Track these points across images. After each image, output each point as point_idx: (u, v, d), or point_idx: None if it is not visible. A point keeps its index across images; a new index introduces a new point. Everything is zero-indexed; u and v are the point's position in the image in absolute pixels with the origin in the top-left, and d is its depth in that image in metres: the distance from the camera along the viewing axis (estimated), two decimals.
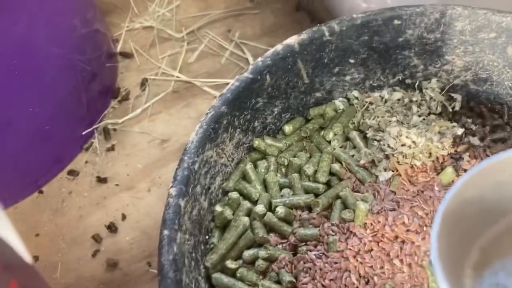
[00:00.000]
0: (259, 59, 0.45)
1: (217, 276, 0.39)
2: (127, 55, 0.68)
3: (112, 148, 0.61)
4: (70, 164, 0.60)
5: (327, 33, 0.46)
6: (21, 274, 0.20)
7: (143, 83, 0.65)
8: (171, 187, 0.38)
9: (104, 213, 0.55)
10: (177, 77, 0.65)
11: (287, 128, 0.48)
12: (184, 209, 0.37)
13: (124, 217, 0.55)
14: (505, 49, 0.46)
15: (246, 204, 0.42)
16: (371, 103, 0.50)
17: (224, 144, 0.43)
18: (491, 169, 0.29)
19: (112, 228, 0.54)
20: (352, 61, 0.48)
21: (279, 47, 0.45)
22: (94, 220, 0.55)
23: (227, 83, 0.64)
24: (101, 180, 0.58)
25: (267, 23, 0.70)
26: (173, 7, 0.72)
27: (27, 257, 0.20)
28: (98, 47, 0.63)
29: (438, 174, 0.42)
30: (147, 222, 0.55)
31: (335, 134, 0.47)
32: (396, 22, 0.46)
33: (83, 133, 0.60)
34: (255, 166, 0.45)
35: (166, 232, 0.36)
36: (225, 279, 0.39)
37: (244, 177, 0.45)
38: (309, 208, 0.42)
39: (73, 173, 0.59)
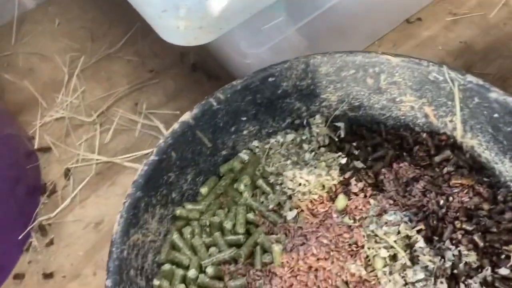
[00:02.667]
0: (161, 140, 0.50)
1: None
2: (45, 149, 0.72)
3: (51, 243, 0.64)
4: (13, 269, 0.62)
5: (215, 103, 0.52)
6: None
7: (66, 173, 0.69)
8: (106, 279, 0.42)
9: None
10: (97, 159, 0.70)
11: (203, 190, 0.54)
12: None
13: None
14: (365, 81, 0.54)
15: (179, 272, 0.47)
16: (270, 148, 0.56)
17: (147, 224, 0.48)
18: None
19: None
20: (244, 118, 0.55)
21: (176, 125, 0.51)
22: None
23: (145, 154, 0.70)
24: (47, 276, 0.61)
25: (169, 89, 0.75)
26: (79, 94, 0.76)
27: None
28: (15, 151, 0.66)
29: (333, 202, 0.49)
30: None
31: (245, 185, 0.53)
32: (270, 79, 0.53)
33: (20, 237, 0.63)
34: (181, 234, 0.51)
35: None
36: None
37: (173, 246, 0.50)
38: (235, 260, 0.48)
39: (18, 276, 0.62)
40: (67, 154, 0.71)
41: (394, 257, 0.44)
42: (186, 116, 0.51)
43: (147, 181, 0.48)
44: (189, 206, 0.52)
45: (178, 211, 0.51)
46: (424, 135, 0.54)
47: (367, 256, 0.45)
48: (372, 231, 0.45)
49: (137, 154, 0.69)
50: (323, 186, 0.49)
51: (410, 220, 0.46)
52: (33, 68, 0.81)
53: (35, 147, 0.72)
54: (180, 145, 0.51)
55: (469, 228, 0.46)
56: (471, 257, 0.44)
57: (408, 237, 0.45)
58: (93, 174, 0.69)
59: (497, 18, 0.74)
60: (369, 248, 0.45)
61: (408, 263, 0.43)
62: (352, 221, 0.47)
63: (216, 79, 0.74)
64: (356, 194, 0.49)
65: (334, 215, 0.47)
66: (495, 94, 0.47)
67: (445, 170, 0.51)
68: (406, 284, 0.43)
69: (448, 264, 0.44)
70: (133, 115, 0.73)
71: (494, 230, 0.46)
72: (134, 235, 0.46)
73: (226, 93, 0.52)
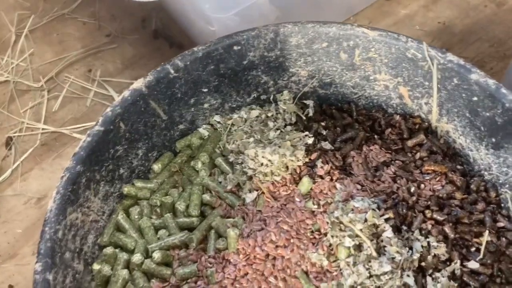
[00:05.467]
0: (108, 109, 0.45)
1: None
2: None
3: None
4: None
5: (172, 71, 0.47)
6: None
7: (8, 142, 0.63)
8: (36, 262, 0.37)
9: None
10: (43, 129, 0.63)
11: (156, 167, 0.49)
12: (54, 282, 0.37)
13: None
14: (338, 55, 0.50)
15: (123, 256, 0.42)
16: (233, 125, 0.51)
17: (89, 202, 0.43)
18: None
19: None
20: (205, 90, 0.50)
21: (126, 93, 0.45)
22: None
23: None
24: None
25: (128, 56, 0.69)
26: (26, 56, 0.69)
27: None
28: None
29: (297, 184, 0.45)
30: None
31: (202, 163, 0.48)
32: (236, 47, 0.48)
33: None
34: (128, 214, 0.46)
35: None
36: None
37: (118, 228, 0.45)
38: (186, 245, 0.43)
39: None
40: (9, 122, 0.64)
41: (359, 247, 0.41)
42: (139, 83, 0.46)
43: (90, 154, 0.43)
44: (138, 183, 0.47)
45: (126, 189, 0.46)
46: (397, 117, 0.50)
47: (330, 245, 0.41)
48: (337, 218, 0.41)
49: (88, 125, 0.63)
50: (287, 167, 0.45)
51: (378, 208, 0.42)
52: None
53: None
54: (131, 115, 0.46)
55: (440, 218, 0.43)
56: (441, 249, 0.41)
57: (375, 225, 0.41)
58: (38, 145, 0.62)
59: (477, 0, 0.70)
60: (332, 236, 0.41)
61: (374, 254, 0.40)
62: (316, 206, 0.43)
63: (179, 47, 0.69)
64: (321, 177, 0.45)
65: (297, 199, 0.43)
66: (476, 75, 0.44)
67: (417, 155, 0.47)
68: (370, 276, 0.39)
69: (416, 256, 0.41)
70: (86, 82, 0.67)
71: (466, 221, 0.43)
72: (72, 214, 0.41)
73: (186, 60, 0.47)
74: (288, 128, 0.50)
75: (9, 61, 0.69)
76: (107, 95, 0.66)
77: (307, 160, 0.46)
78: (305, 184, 0.44)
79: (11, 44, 0.70)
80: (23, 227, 0.57)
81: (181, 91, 0.49)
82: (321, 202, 0.43)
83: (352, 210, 0.41)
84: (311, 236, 0.42)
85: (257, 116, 0.52)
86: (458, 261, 0.41)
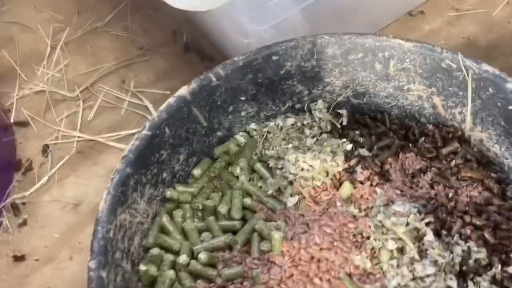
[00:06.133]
0: (155, 114, 0.46)
1: None
2: (22, 123, 0.67)
3: (24, 223, 0.59)
4: None
5: (214, 79, 0.49)
6: None
7: (45, 150, 0.64)
8: (90, 260, 0.38)
9: None
10: (78, 137, 0.65)
11: (196, 172, 0.50)
12: (107, 280, 0.38)
13: None
14: (373, 66, 0.51)
15: (169, 257, 0.43)
16: (268, 132, 0.53)
17: (135, 204, 0.44)
18: None
19: None
20: (243, 98, 0.52)
21: (171, 100, 0.47)
22: None
23: (131, 134, 0.66)
24: (18, 258, 0.56)
25: (160, 68, 0.71)
26: (62, 67, 0.71)
27: None
28: None
29: (337, 189, 0.46)
30: None
31: (241, 169, 0.50)
32: (274, 57, 0.50)
33: None
34: (172, 217, 0.47)
35: None
36: None
37: (162, 230, 0.46)
38: (230, 247, 0.44)
39: None
40: (46, 130, 0.66)
41: (401, 250, 0.41)
42: (183, 91, 0.48)
43: (138, 157, 0.44)
44: (180, 188, 0.48)
45: (169, 193, 0.47)
46: (431, 126, 0.52)
47: (373, 248, 0.42)
48: (380, 221, 0.42)
49: (122, 134, 0.65)
50: (327, 172, 0.46)
51: (419, 212, 0.43)
52: (12, 38, 0.75)
53: (11, 120, 0.66)
54: (175, 122, 0.47)
55: (479, 223, 0.44)
56: (481, 254, 0.42)
57: (416, 229, 0.42)
58: (73, 153, 0.64)
59: (500, 16, 0.72)
60: (375, 240, 0.42)
61: (417, 257, 0.41)
62: (357, 210, 0.44)
63: (210, 60, 0.71)
64: (361, 182, 0.46)
65: (338, 204, 0.44)
66: (511, 84, 0.45)
67: (453, 162, 0.48)
68: (414, 278, 0.40)
69: (458, 259, 0.41)
70: (120, 92, 0.69)
71: (504, 227, 0.44)
72: (122, 214, 0.42)
73: (227, 69, 0.49)
74: (324, 136, 0.51)
75: (44, 72, 0.71)
76: (141, 105, 0.68)
77: (346, 166, 0.47)
78: (346, 188, 0.45)
79: (47, 56, 0.73)
80: (60, 232, 0.58)
81: (221, 99, 0.50)
82: (362, 207, 0.44)
83: (394, 214, 0.43)
84: (354, 240, 0.43)
85: (292, 125, 0.53)
86: (499, 266, 0.42)
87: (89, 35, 0.75)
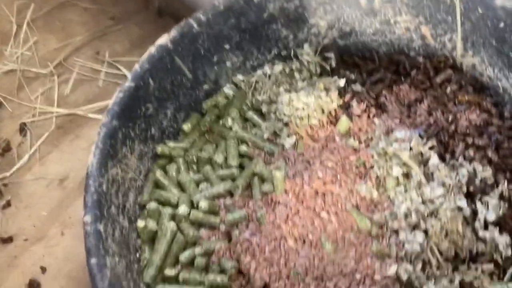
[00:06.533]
0: (136, 65, 0.44)
1: None
2: None
3: (8, 204, 0.56)
4: None
5: (195, 25, 0.46)
6: None
7: (22, 129, 0.61)
8: (85, 214, 0.36)
9: (20, 272, 0.51)
10: (56, 112, 0.62)
11: (186, 127, 0.48)
12: (105, 233, 0.36)
13: (43, 269, 0.51)
14: (357, 1, 0.50)
15: (167, 210, 0.41)
16: (257, 82, 0.51)
17: (126, 159, 0.42)
18: None
19: (34, 285, 0.50)
20: (227, 46, 0.49)
21: (152, 49, 0.45)
22: (11, 284, 0.50)
23: None
24: (6, 240, 0.53)
25: (134, 36, 0.68)
26: (31, 44, 0.68)
27: None
28: None
29: (335, 126, 0.44)
30: (69, 266, 0.51)
31: (233, 119, 0.48)
32: (256, 0, 0.48)
33: None
34: (165, 172, 0.45)
35: (93, 260, 0.34)
36: None
37: (157, 185, 0.44)
38: (230, 193, 0.42)
39: None
40: (21, 109, 0.63)
41: (406, 176, 0.40)
42: (164, 39, 0.45)
43: (123, 110, 0.42)
44: (171, 144, 0.46)
45: (160, 148, 0.45)
46: (421, 58, 0.51)
47: (377, 177, 0.41)
48: (382, 149, 0.41)
49: (103, 104, 0.62)
50: (322, 110, 0.45)
51: (421, 137, 0.42)
52: None
53: None
54: (158, 72, 0.45)
55: (481, 143, 0.43)
56: (487, 172, 0.41)
57: (420, 154, 0.41)
58: (53, 128, 0.61)
59: None
60: (379, 168, 0.40)
61: (424, 181, 0.40)
62: (357, 142, 0.42)
63: None
64: (358, 116, 0.44)
65: (337, 138, 0.43)
66: (501, 1, 0.44)
67: (448, 89, 0.47)
68: (423, 202, 0.39)
69: (464, 180, 0.40)
70: (95, 64, 0.66)
71: (506, 145, 0.43)
72: (113, 168, 0.40)
73: (208, 14, 0.47)
74: (315, 78, 0.50)
75: (12, 51, 0.68)
76: (119, 75, 0.65)
77: (341, 102, 0.45)
78: (344, 123, 0.43)
79: (13, 35, 0.69)
80: (47, 210, 0.56)
81: (204, 47, 0.48)
82: (362, 138, 0.43)
83: (396, 140, 0.41)
84: (357, 171, 0.41)
85: (280, 71, 0.51)
86: (505, 183, 0.41)
87: (56, 11, 0.72)
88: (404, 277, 0.38)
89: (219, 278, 0.38)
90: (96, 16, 0.71)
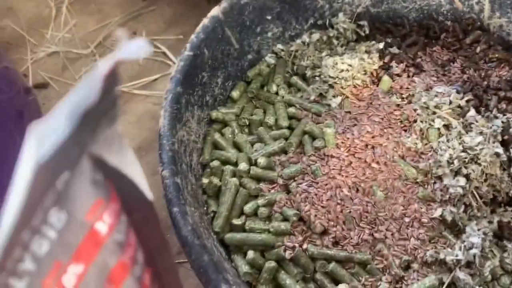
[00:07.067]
0: (193, 35, 0.47)
1: (229, 236, 0.42)
2: (42, 85, 0.67)
3: None
4: None
5: None
6: (141, 212, 0.21)
7: None
8: (162, 170, 0.40)
9: None
10: None
11: (235, 94, 0.51)
12: (182, 186, 0.40)
13: None
14: None
15: (229, 167, 0.45)
16: (296, 51, 0.54)
17: (189, 123, 0.46)
18: None
19: None
20: (269, 17, 0.53)
21: (206, 20, 0.48)
22: None
23: (154, 80, 0.67)
24: None
25: (167, 15, 0.72)
26: (71, 27, 0.71)
27: (149, 194, 0.21)
28: (14, 84, 0.61)
29: (377, 85, 0.48)
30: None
31: (278, 85, 0.51)
32: None
33: None
34: (222, 134, 0.48)
35: (175, 209, 0.38)
36: (238, 235, 0.41)
37: (216, 146, 0.47)
38: (284, 151, 0.46)
39: None
40: (67, 88, 0.66)
41: (447, 127, 0.44)
42: (215, 11, 0.49)
43: (185, 77, 0.45)
44: (223, 109, 0.50)
45: (214, 114, 0.49)
46: (449, 22, 0.54)
47: (421, 129, 0.44)
48: (424, 103, 0.44)
49: (146, 80, 0.66)
50: (365, 71, 0.48)
51: (457, 92, 0.46)
52: (12, 8, 0.75)
53: (31, 84, 0.66)
54: (211, 42, 0.48)
55: None
56: None
57: (459, 106, 0.45)
58: None
59: None
60: (422, 122, 0.44)
61: (463, 131, 0.43)
62: (400, 99, 0.46)
63: (216, 1, 0.71)
64: (398, 75, 0.48)
65: (381, 96, 0.46)
66: None
67: (478, 49, 0.51)
68: (464, 150, 0.43)
69: (499, 130, 0.44)
70: None
71: None
72: (180, 130, 0.43)
73: None
74: (352, 44, 0.53)
75: (54, 35, 0.71)
76: (157, 52, 0.68)
77: (381, 63, 0.49)
78: (386, 82, 0.47)
79: (53, 19, 0.72)
80: None
81: (249, 18, 0.51)
82: (404, 95, 0.46)
83: (436, 95, 0.45)
84: (402, 125, 0.45)
85: (317, 40, 0.55)
86: None
87: None
88: (449, 218, 0.42)
89: (283, 225, 0.42)
90: None
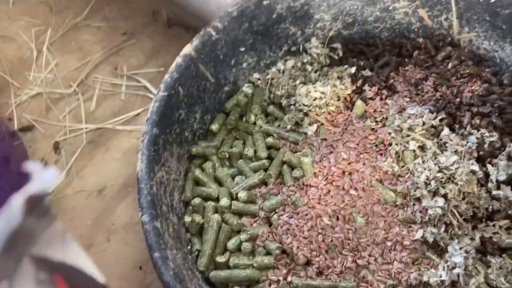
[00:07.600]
0: (167, 75, 0.48)
1: (213, 274, 0.42)
2: (27, 128, 0.68)
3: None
4: None
5: (214, 33, 0.50)
6: None
7: (56, 147, 0.65)
8: (142, 215, 0.40)
9: None
10: (85, 128, 0.66)
11: (214, 127, 0.52)
12: (162, 229, 0.40)
13: None
14: None
15: (210, 203, 0.45)
16: (272, 78, 0.55)
17: (168, 162, 0.46)
18: None
19: None
20: (242, 49, 0.54)
21: (179, 59, 0.49)
22: None
23: (137, 115, 0.67)
24: None
25: (147, 48, 0.72)
26: (52, 67, 0.72)
27: (101, 278, 0.22)
28: None
29: (351, 110, 0.48)
30: (120, 268, 0.56)
31: (255, 115, 0.52)
32: (265, 2, 0.52)
33: None
34: (202, 169, 0.49)
35: (156, 254, 0.38)
36: (222, 273, 0.42)
37: (197, 183, 0.48)
38: (264, 183, 0.47)
39: None
40: (52, 129, 0.67)
41: (422, 149, 0.44)
42: (187, 49, 0.49)
43: (161, 118, 0.46)
44: (203, 144, 0.50)
45: (194, 149, 0.49)
46: (421, 39, 0.55)
47: (396, 152, 0.45)
48: (398, 126, 0.45)
49: (128, 116, 0.67)
50: (338, 97, 0.49)
51: (431, 112, 0.46)
52: None
53: (16, 127, 0.67)
54: (186, 80, 0.49)
55: (485, 111, 0.47)
56: (493, 137, 0.45)
57: (432, 126, 0.45)
58: (85, 144, 0.65)
59: None
60: (397, 144, 0.45)
61: (438, 151, 0.44)
62: (374, 123, 0.47)
63: (195, 31, 0.72)
64: (371, 98, 0.49)
65: (355, 121, 0.47)
66: None
67: (449, 65, 0.51)
68: (440, 170, 0.43)
69: (474, 146, 0.45)
70: (115, 78, 0.70)
71: (508, 110, 0.47)
72: (159, 172, 0.44)
73: (223, 21, 0.51)
74: (325, 69, 0.54)
75: (36, 76, 0.72)
76: (138, 86, 0.69)
77: (354, 88, 0.50)
78: (359, 106, 0.48)
79: (34, 60, 0.73)
80: (91, 219, 0.60)
81: (222, 52, 0.52)
82: (378, 119, 0.47)
83: (409, 117, 0.45)
84: (377, 149, 0.45)
85: (292, 66, 0.56)
86: (511, 144, 0.45)
87: (71, 32, 0.76)
88: (430, 239, 0.42)
89: (266, 260, 0.42)
90: (109, 33, 0.75)
